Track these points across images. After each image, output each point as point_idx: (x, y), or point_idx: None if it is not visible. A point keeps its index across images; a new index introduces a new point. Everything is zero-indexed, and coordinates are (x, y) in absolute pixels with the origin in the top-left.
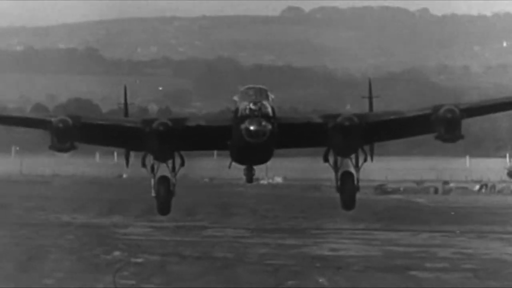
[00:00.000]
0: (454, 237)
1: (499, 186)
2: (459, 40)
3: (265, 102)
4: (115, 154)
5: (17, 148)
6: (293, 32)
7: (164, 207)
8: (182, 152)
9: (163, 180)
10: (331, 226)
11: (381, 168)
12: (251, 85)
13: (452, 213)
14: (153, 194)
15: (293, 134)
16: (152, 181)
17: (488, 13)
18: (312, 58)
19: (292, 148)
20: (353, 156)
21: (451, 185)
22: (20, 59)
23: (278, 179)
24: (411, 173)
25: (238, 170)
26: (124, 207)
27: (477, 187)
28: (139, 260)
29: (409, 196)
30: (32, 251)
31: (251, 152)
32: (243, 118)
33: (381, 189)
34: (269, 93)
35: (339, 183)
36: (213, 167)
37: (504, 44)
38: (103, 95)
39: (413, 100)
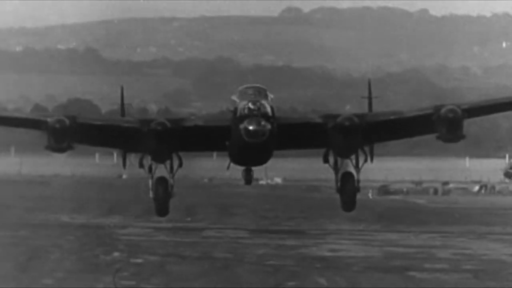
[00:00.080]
0: (453, 238)
1: (498, 187)
2: (459, 40)
3: (264, 102)
4: (115, 154)
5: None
6: (293, 33)
7: (162, 209)
8: (181, 153)
9: (161, 181)
10: (331, 227)
11: (380, 169)
12: (249, 85)
13: (457, 215)
14: (151, 195)
15: (293, 134)
16: (150, 182)
17: (488, 14)
18: (311, 58)
19: (291, 150)
20: (353, 156)
21: (451, 185)
22: (19, 60)
23: (278, 180)
24: (410, 174)
25: (237, 171)
26: (124, 208)
27: (476, 187)
28: (139, 260)
29: (408, 196)
30: (31, 251)
31: (250, 153)
32: (242, 117)
33: (384, 189)
34: (268, 93)
35: (339, 184)
36: (213, 167)
37: (504, 45)
38: (103, 95)
39: (413, 100)
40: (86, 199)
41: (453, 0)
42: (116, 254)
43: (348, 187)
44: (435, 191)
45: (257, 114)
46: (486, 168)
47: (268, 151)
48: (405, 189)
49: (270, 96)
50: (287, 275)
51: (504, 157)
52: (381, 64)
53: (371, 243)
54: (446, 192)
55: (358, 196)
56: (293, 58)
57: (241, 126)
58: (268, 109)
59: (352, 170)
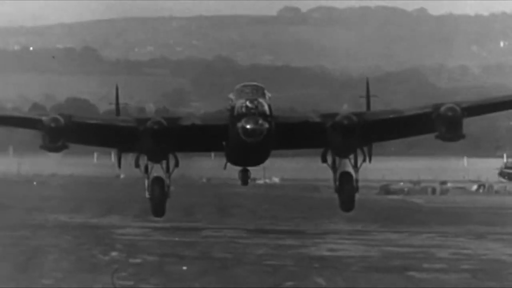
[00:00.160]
0: (452, 238)
1: (496, 186)
2: (457, 40)
3: (261, 100)
4: (113, 154)
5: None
6: (291, 32)
7: (158, 209)
8: (178, 153)
9: (158, 181)
10: (329, 226)
11: (378, 168)
12: (247, 83)
13: (455, 215)
14: (147, 195)
15: (291, 133)
16: (146, 182)
17: (486, 13)
18: (310, 58)
19: (289, 150)
20: (351, 156)
21: (449, 185)
22: (17, 59)
23: (276, 179)
24: (408, 173)
25: (235, 171)
26: (122, 207)
27: (474, 187)
28: (137, 260)
29: (406, 196)
30: (30, 251)
31: (248, 152)
32: (240, 116)
33: (385, 189)
34: (265, 91)
35: (337, 183)
36: (211, 167)
37: (502, 44)
38: (101, 95)
39: (411, 99)
40: (84, 199)
41: (451, 0)
42: (114, 254)
43: (346, 187)
44: (433, 191)
45: (255, 113)
46: (484, 168)
47: (266, 151)
48: (406, 189)
49: (268, 94)
50: (285, 275)
51: (502, 156)
52: (380, 63)
53: (370, 243)
54: (444, 192)
55: (356, 195)
56: (292, 57)
57: (239, 124)
58: (266, 108)
59: (350, 169)
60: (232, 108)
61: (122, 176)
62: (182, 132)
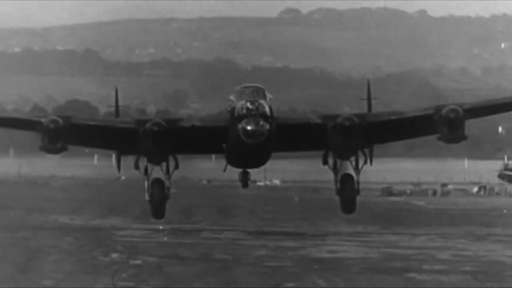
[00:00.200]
0: (453, 239)
1: (497, 188)
2: (458, 41)
3: (262, 101)
4: (113, 156)
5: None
6: (291, 34)
7: (158, 211)
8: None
9: (157, 183)
10: (330, 228)
11: (379, 170)
12: (247, 84)
13: (456, 216)
14: (147, 197)
15: (292, 135)
16: (146, 184)
17: (486, 15)
18: (310, 59)
19: (290, 152)
20: (353, 158)
21: (450, 187)
22: (18, 61)
23: (276, 181)
24: (409, 175)
25: (235, 172)
26: (122, 209)
27: (475, 189)
28: (138, 262)
29: (407, 198)
30: (30, 252)
31: (248, 154)
32: (240, 117)
33: (387, 191)
34: (266, 92)
35: (338, 185)
36: (211, 169)
37: (503, 46)
38: (102, 97)
39: (411, 101)
40: (85, 200)
41: (452, 1)
42: (115, 255)
43: (348, 189)
44: (434, 193)
45: (256, 114)
46: (485, 170)
47: (267, 152)
48: (408, 191)
49: (269, 96)
50: (285, 276)
51: (502, 158)
52: (380, 65)
53: (370, 245)
54: (445, 194)
55: (357, 197)
56: (292, 59)
57: (239, 126)
58: (267, 109)
59: (351, 171)
60: (233, 109)
61: (122, 177)
62: (182, 134)
